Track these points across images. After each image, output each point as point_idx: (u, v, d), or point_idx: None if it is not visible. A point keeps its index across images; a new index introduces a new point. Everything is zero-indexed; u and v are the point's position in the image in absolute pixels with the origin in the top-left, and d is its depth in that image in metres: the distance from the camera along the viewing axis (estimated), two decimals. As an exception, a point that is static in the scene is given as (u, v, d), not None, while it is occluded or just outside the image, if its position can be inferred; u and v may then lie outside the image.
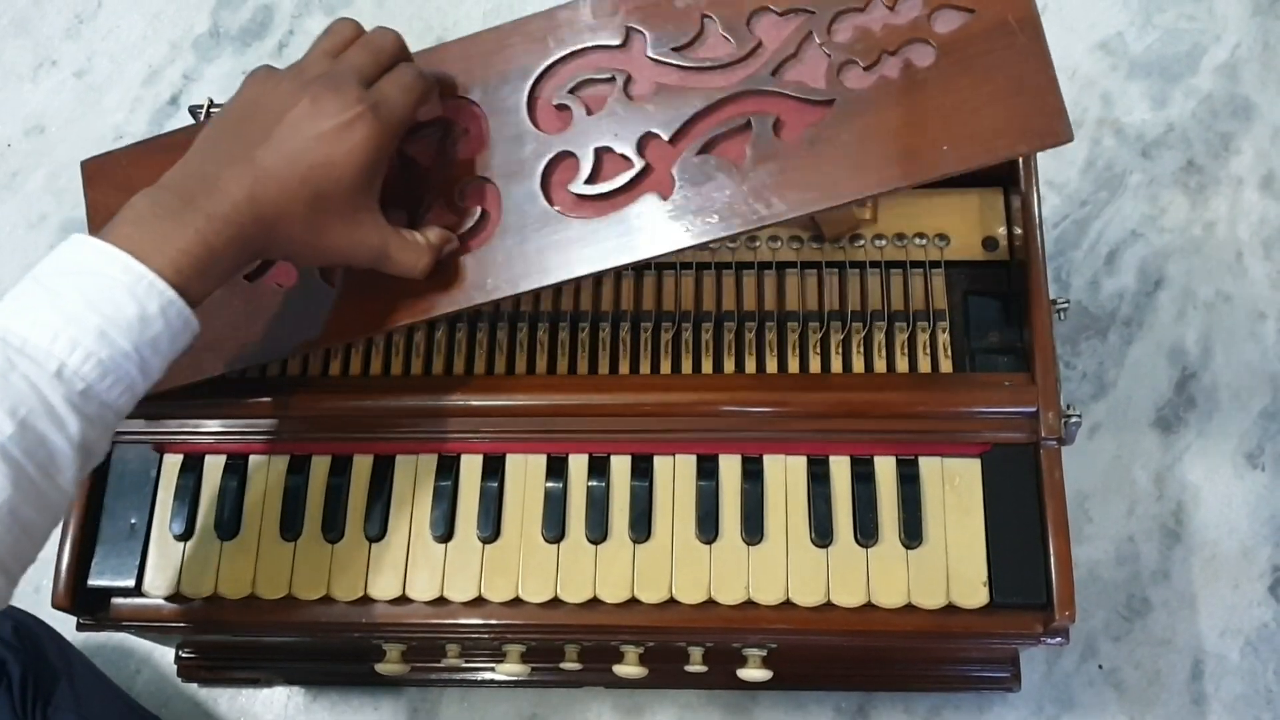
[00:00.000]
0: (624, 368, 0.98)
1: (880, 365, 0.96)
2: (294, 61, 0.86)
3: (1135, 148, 1.32)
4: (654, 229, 0.86)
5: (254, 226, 0.77)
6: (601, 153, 0.88)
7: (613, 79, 0.89)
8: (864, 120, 0.84)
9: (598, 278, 1.01)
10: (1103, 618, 1.16)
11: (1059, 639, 0.90)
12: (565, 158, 0.89)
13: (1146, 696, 1.13)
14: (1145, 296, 1.27)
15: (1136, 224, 1.29)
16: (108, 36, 1.48)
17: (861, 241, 1.00)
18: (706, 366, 0.97)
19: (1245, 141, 1.32)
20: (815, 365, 0.97)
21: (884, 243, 1.00)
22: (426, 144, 0.92)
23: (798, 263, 1.00)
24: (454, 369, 0.98)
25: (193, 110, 1.06)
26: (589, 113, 0.89)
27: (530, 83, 0.90)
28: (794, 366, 0.97)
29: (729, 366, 0.97)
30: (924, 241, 1.00)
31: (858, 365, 0.97)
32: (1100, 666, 1.14)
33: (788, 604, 0.90)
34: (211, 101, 1.06)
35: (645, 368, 0.98)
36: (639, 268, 1.01)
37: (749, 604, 0.91)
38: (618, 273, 1.01)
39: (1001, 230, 1.00)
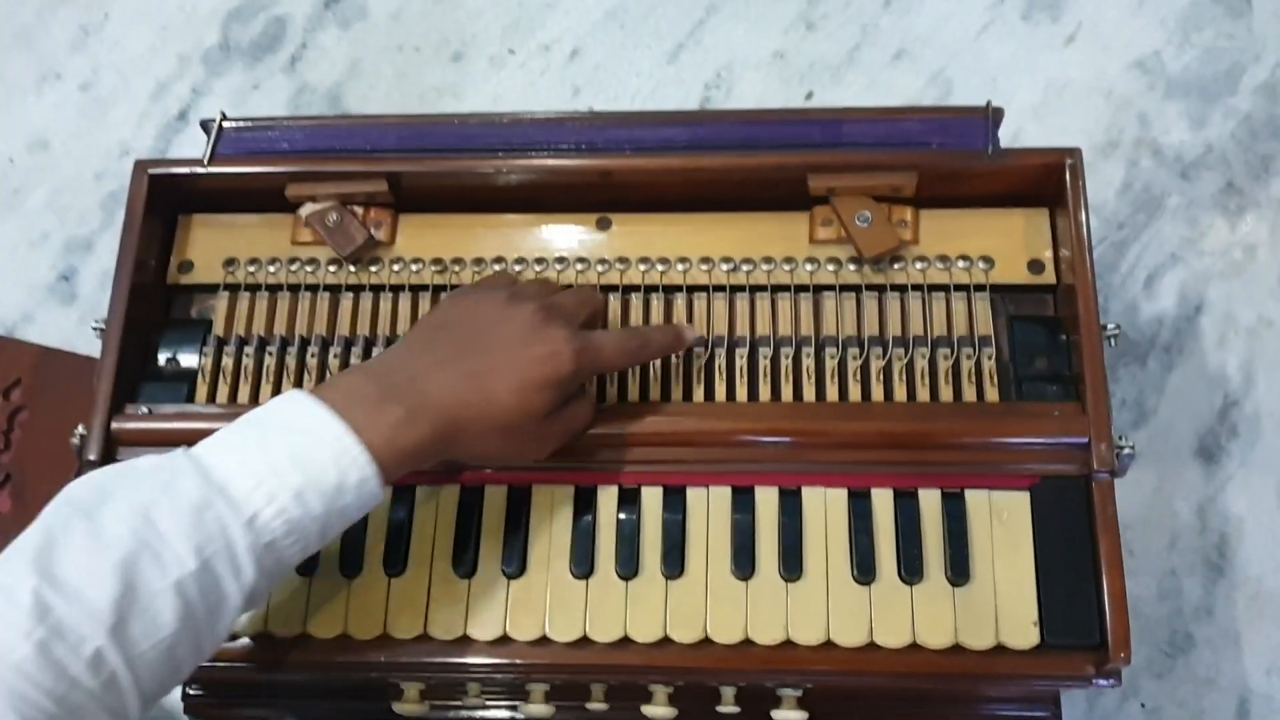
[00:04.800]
0: (654, 395, 0.93)
1: (923, 394, 0.92)
2: (492, 277, 0.95)
3: (1174, 169, 1.28)
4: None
5: (447, 429, 0.79)
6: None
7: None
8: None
9: (625, 301, 0.97)
10: (1145, 655, 1.11)
11: (1111, 681, 0.86)
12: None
13: (1191, 738, 1.09)
14: (1185, 321, 1.22)
15: (1176, 247, 1.25)
16: (114, 49, 1.44)
17: (902, 263, 0.96)
18: (741, 394, 0.93)
19: (1286, 163, 1.27)
20: (855, 393, 0.92)
21: (926, 265, 0.96)
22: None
23: (836, 285, 0.96)
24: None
25: (204, 124, 1.02)
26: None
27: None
28: (833, 394, 0.93)
29: (765, 394, 0.93)
30: (967, 264, 0.96)
31: (899, 393, 0.92)
32: (1142, 705, 1.10)
33: (828, 644, 0.86)
34: (224, 114, 1.02)
35: (677, 395, 0.93)
36: (670, 289, 0.97)
37: (788, 644, 0.86)
38: (646, 295, 0.97)
39: (1048, 253, 0.96)
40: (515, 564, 0.88)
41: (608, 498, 0.90)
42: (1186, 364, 1.21)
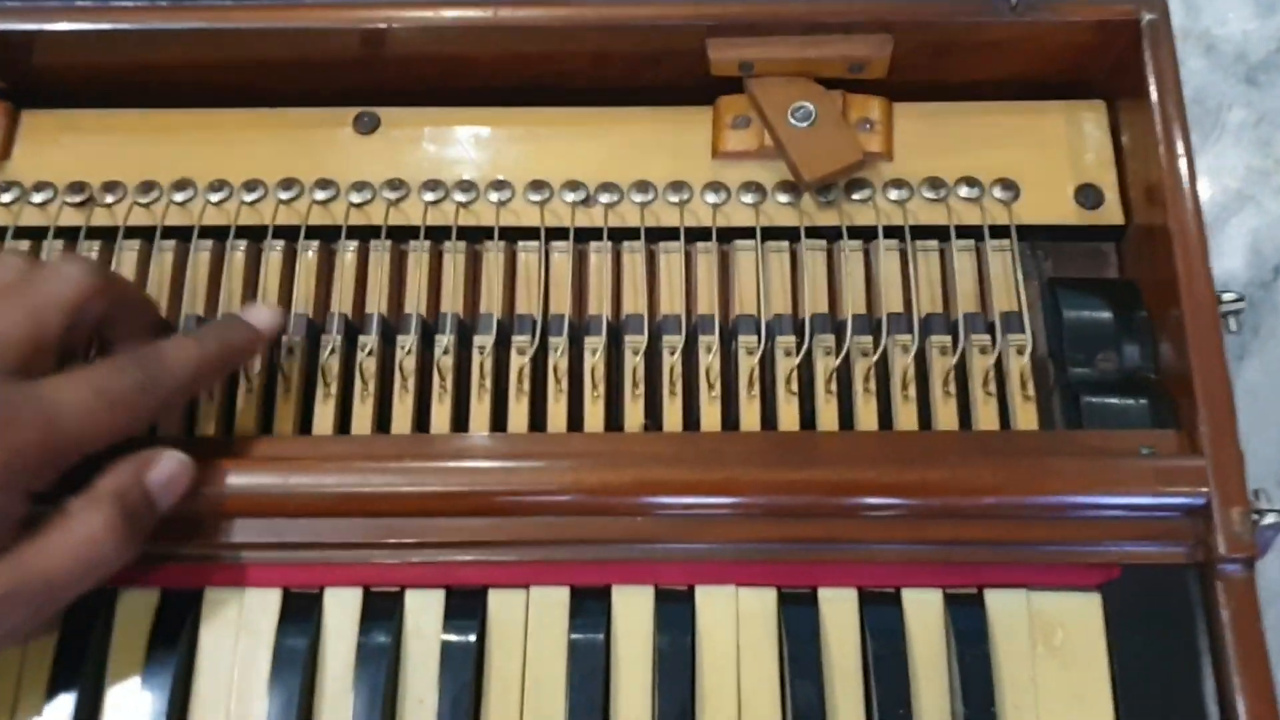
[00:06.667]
0: (441, 421, 0.55)
1: (907, 417, 0.55)
2: None
3: (1235, 72, 0.99)
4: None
5: None
6: None
7: None
8: None
9: (399, 261, 0.59)
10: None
11: None
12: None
13: None
14: (1261, 289, 0.93)
15: (1243, 182, 0.95)
16: None
17: (868, 192, 0.60)
18: (593, 418, 0.55)
19: (1390, 63, 1.00)
20: (790, 417, 0.55)
21: (906, 194, 0.60)
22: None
23: (756, 229, 0.59)
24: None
25: None
26: None
27: None
28: (751, 419, 0.55)
29: (633, 417, 0.55)
30: (975, 192, 0.60)
31: (866, 417, 0.55)
32: None
33: None
34: None
35: (481, 421, 0.55)
36: (476, 238, 0.59)
37: None
38: (435, 246, 0.59)
39: (1109, 176, 0.60)
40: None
41: (342, 608, 0.51)
42: (1265, 350, 0.91)
